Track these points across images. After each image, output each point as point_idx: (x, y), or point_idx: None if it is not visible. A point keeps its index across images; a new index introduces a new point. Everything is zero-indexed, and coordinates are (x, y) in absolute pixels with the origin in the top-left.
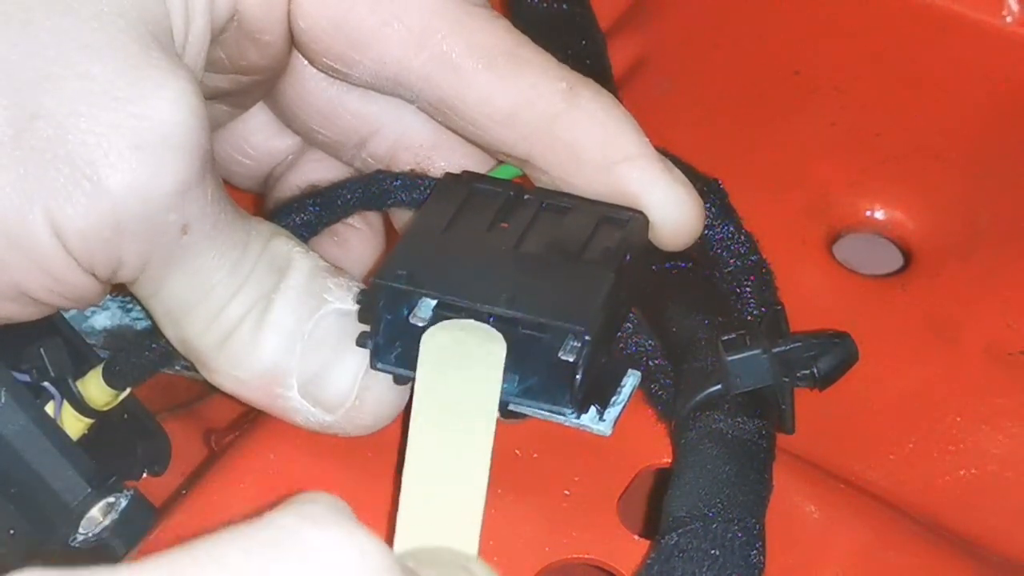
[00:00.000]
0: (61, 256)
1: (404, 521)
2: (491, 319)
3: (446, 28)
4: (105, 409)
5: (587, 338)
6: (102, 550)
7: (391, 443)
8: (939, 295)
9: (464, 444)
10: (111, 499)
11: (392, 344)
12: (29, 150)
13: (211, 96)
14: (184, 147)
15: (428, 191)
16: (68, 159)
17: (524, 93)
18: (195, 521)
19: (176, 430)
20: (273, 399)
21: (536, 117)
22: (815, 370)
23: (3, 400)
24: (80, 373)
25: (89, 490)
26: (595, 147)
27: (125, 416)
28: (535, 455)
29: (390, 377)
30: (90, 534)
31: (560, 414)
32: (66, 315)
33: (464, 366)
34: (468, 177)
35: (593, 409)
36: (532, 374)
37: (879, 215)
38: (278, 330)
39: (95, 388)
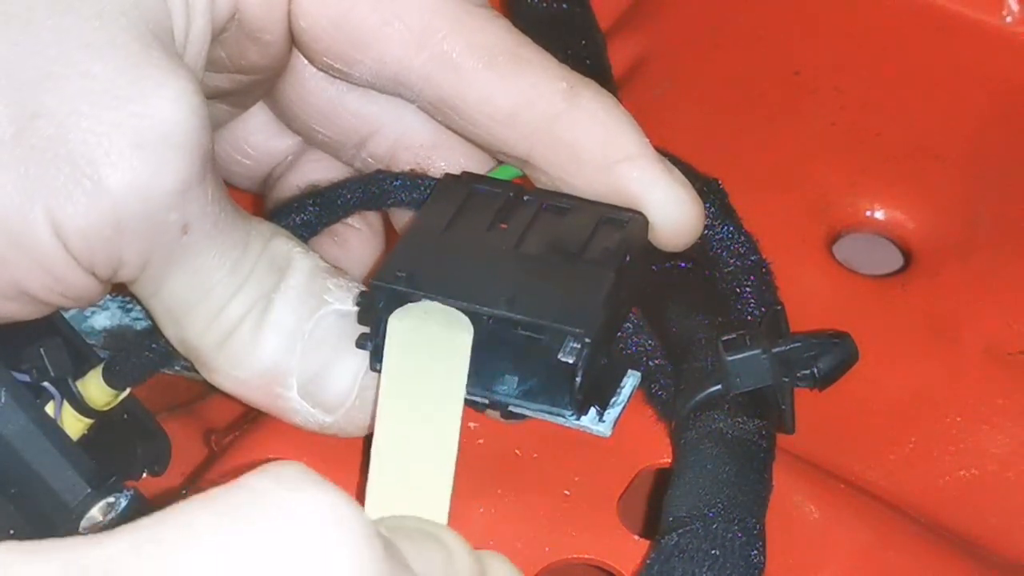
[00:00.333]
0: (61, 255)
1: (373, 494)
2: (490, 321)
3: (447, 27)
4: (105, 409)
5: (587, 340)
6: None
7: None
8: (939, 295)
9: (432, 427)
10: (111, 499)
11: None
12: (30, 149)
13: (211, 96)
14: (185, 146)
15: (428, 191)
16: (69, 158)
17: (524, 93)
18: None
19: (176, 430)
20: (273, 399)
21: (536, 117)
22: (815, 370)
23: (3, 400)
24: (80, 373)
25: (89, 490)
26: (595, 147)
27: (125, 416)
28: (535, 455)
29: None
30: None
31: (560, 415)
32: (66, 315)
33: (431, 349)
34: (468, 178)
35: (593, 410)
36: (532, 375)
37: (879, 215)
38: (278, 330)
39: (95, 388)
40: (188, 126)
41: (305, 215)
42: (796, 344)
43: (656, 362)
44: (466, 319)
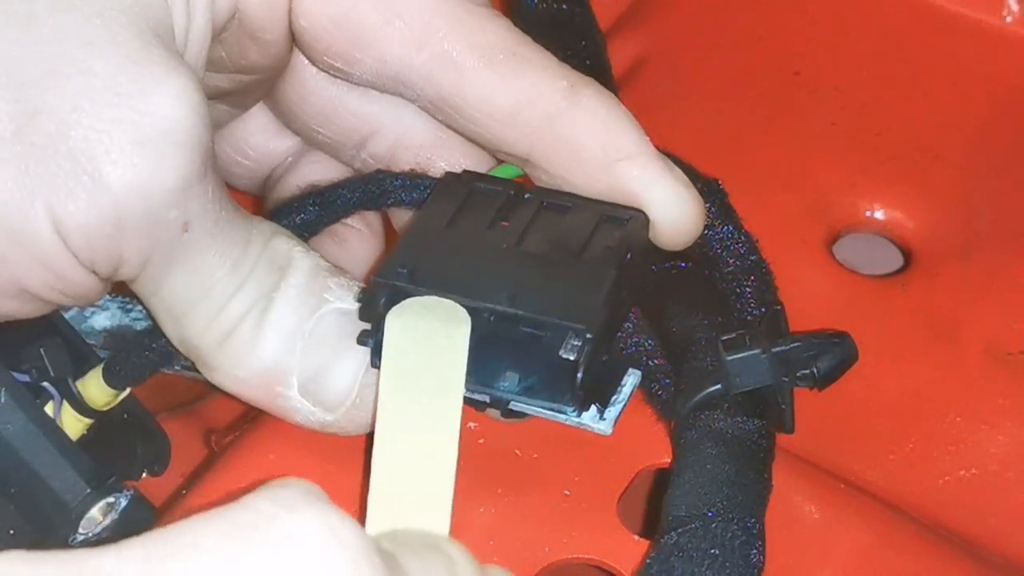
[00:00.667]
0: (62, 252)
1: (375, 505)
2: (491, 317)
3: (447, 27)
4: (105, 409)
5: (588, 336)
6: None
7: None
8: (939, 295)
9: (432, 425)
10: (111, 499)
11: None
12: (31, 146)
13: (212, 95)
14: (186, 144)
15: (428, 191)
16: (70, 155)
17: (525, 91)
18: None
19: (176, 430)
20: (273, 398)
21: (537, 115)
22: (815, 370)
23: (3, 400)
24: (80, 373)
25: (89, 490)
26: (596, 145)
27: (125, 416)
28: (535, 455)
29: None
30: (90, 534)
31: (561, 412)
32: (66, 315)
33: (429, 345)
34: (468, 176)
35: (593, 408)
36: (533, 373)
37: (879, 215)
38: (279, 329)
39: (95, 388)
40: (189, 124)
41: (305, 215)
42: (796, 344)
43: (656, 362)
44: (464, 312)
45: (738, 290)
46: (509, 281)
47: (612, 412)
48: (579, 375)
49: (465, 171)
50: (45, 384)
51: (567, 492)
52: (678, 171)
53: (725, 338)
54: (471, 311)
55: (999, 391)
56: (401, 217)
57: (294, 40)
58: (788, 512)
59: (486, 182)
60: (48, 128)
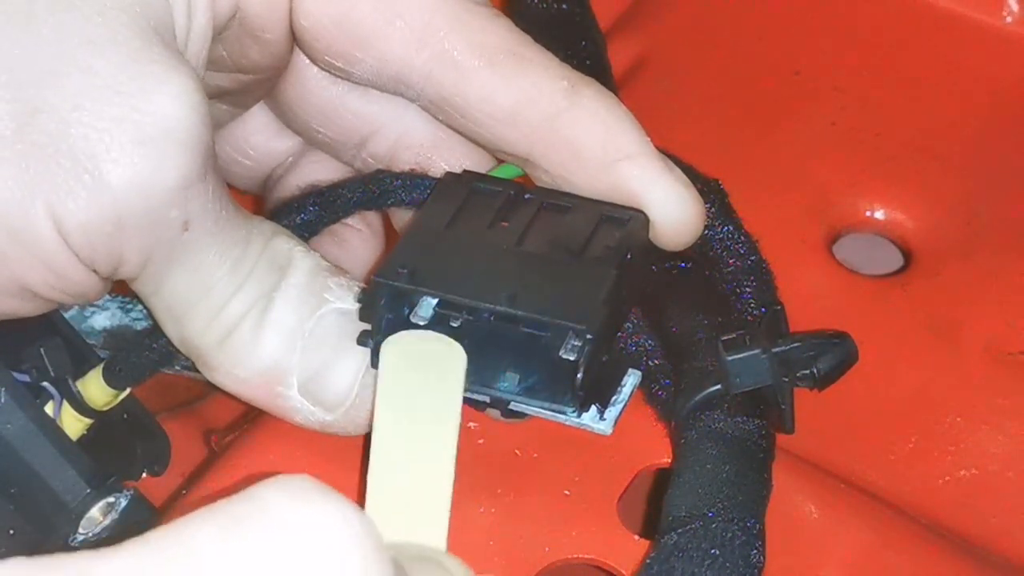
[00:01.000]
0: (62, 251)
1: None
2: (492, 317)
3: (447, 26)
4: (105, 409)
5: (589, 336)
6: None
7: None
8: (939, 295)
9: (429, 443)
10: (111, 499)
11: None
12: (31, 144)
13: (212, 95)
14: (186, 142)
15: (428, 191)
16: (70, 153)
17: (525, 91)
18: None
19: (176, 430)
20: (273, 398)
21: (537, 115)
22: (815, 370)
23: (3, 400)
24: (80, 373)
25: (88, 490)
26: (596, 145)
27: (125, 416)
28: (535, 455)
29: None
30: (90, 534)
31: (561, 413)
32: (66, 315)
33: (426, 369)
34: (469, 176)
35: (594, 408)
36: (533, 373)
37: (879, 215)
38: (279, 329)
39: (95, 388)
40: (189, 122)
41: (306, 215)
42: (796, 344)
43: (656, 362)
44: (458, 346)
45: (738, 290)
46: (509, 281)
47: (612, 412)
48: (579, 375)
49: (465, 171)
50: (45, 384)
51: (567, 492)
52: (678, 171)
53: (725, 338)
54: (471, 311)
55: (999, 391)
56: (401, 217)
57: (295, 39)
58: (788, 512)
59: (486, 182)
60: (49, 127)
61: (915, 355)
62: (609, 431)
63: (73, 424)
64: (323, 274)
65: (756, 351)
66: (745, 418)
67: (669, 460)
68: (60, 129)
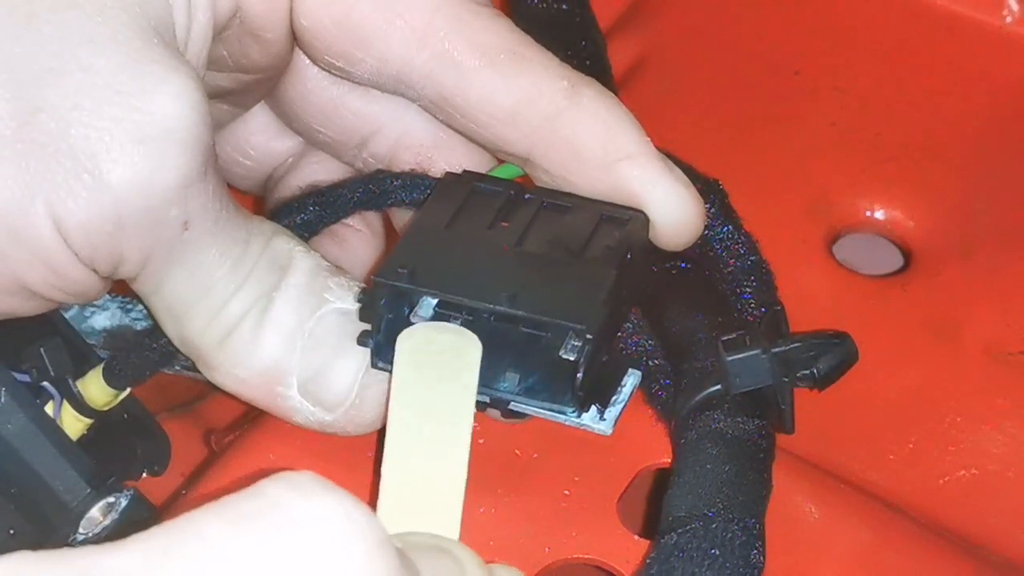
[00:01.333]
0: (62, 250)
1: (384, 510)
2: (492, 317)
3: (448, 26)
4: (105, 409)
5: (588, 337)
6: None
7: None
8: (939, 295)
9: (442, 434)
10: (111, 499)
11: (393, 343)
12: (31, 143)
13: (213, 95)
14: (186, 142)
15: (428, 191)
16: (70, 153)
17: (526, 91)
18: None
19: (176, 430)
20: (273, 398)
21: (538, 115)
22: (815, 370)
23: (3, 400)
24: (80, 373)
25: (89, 490)
26: (596, 145)
27: (125, 416)
28: (535, 455)
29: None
30: (90, 534)
31: (561, 413)
32: (65, 315)
33: (440, 361)
34: (469, 176)
35: (594, 408)
36: (533, 373)
37: (879, 215)
38: (279, 328)
39: (95, 388)
40: (189, 122)
41: (306, 215)
42: (796, 344)
43: (656, 362)
44: (474, 336)
45: (738, 290)
46: (509, 281)
47: (612, 412)
48: (579, 375)
49: (465, 171)
50: (45, 384)
51: (567, 492)
52: (678, 171)
53: (725, 338)
54: (471, 311)
55: (999, 391)
56: (401, 217)
57: (295, 39)
58: (788, 512)
59: (486, 182)
60: (49, 126)
61: (915, 355)
62: (609, 431)
63: (73, 424)
64: (323, 274)
65: (756, 351)
66: (745, 418)
67: (669, 460)
68: (60, 128)
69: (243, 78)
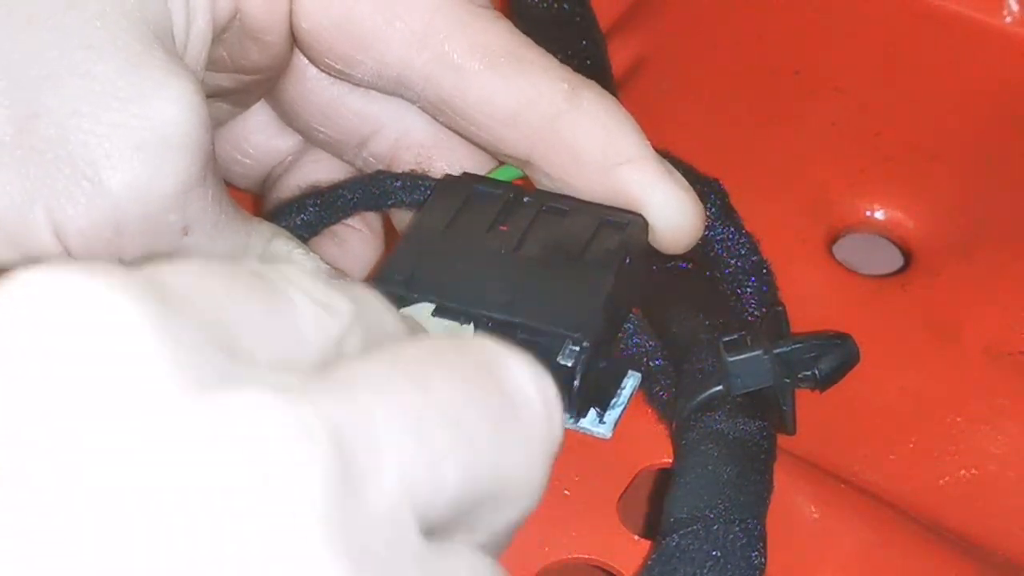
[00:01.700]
0: (61, 256)
1: None
2: (489, 324)
3: (448, 28)
4: None
5: (585, 344)
6: None
7: None
8: (939, 295)
9: None
10: None
11: None
12: (30, 150)
13: (212, 95)
14: (185, 147)
15: (428, 192)
16: (69, 159)
17: (526, 93)
18: None
19: None
20: None
21: (537, 117)
22: (816, 371)
23: None
24: None
25: None
26: (596, 148)
27: None
28: None
29: None
30: None
31: None
32: None
33: None
34: (468, 178)
35: (593, 412)
36: None
37: (879, 215)
38: None
39: None
40: (189, 127)
41: (306, 215)
42: (797, 345)
43: (657, 363)
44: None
45: (739, 291)
46: (507, 287)
47: (612, 415)
48: (576, 382)
49: (465, 173)
50: None
51: (567, 492)
52: (678, 175)
53: (726, 339)
54: (468, 317)
55: (999, 391)
56: (402, 218)
57: (295, 41)
58: (788, 512)
59: (485, 184)
60: (47, 132)
61: (915, 355)
62: (608, 435)
63: None
64: (322, 277)
65: (757, 352)
66: (746, 419)
67: (670, 460)
68: (59, 134)
69: (242, 78)
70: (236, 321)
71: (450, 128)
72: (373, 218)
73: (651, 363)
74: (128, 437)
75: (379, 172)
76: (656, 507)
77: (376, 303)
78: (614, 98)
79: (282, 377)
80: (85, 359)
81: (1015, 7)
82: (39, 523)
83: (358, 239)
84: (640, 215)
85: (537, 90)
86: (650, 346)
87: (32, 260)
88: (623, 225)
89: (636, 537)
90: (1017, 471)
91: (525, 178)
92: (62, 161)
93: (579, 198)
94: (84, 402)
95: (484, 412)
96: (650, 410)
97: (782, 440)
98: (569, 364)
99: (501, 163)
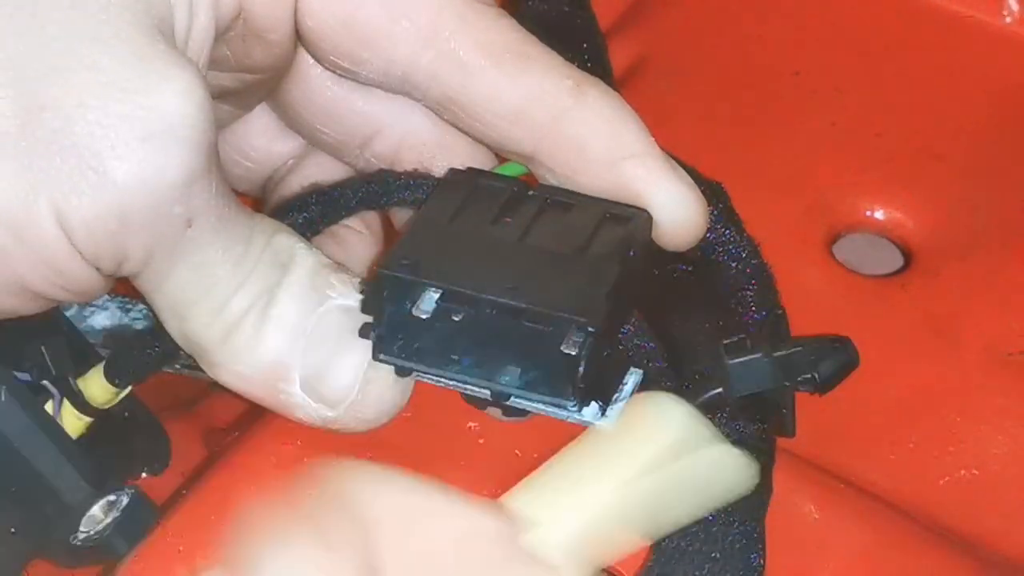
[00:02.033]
0: (65, 248)
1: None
2: (494, 310)
3: (453, 26)
4: (105, 407)
5: (591, 331)
6: (104, 548)
7: (392, 442)
8: (939, 295)
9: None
10: (112, 497)
11: (394, 336)
12: (35, 141)
13: (215, 95)
14: (191, 139)
15: (431, 191)
16: (75, 150)
17: (531, 90)
18: (195, 521)
19: (176, 430)
20: (275, 394)
21: (543, 114)
22: (816, 375)
23: (3, 399)
24: (81, 371)
25: (89, 489)
26: (601, 144)
27: (125, 415)
28: (535, 455)
29: (392, 371)
30: (92, 532)
31: (562, 408)
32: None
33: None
34: (473, 173)
35: (595, 404)
36: (534, 367)
37: (879, 215)
38: (281, 325)
39: (96, 386)
40: (194, 119)
41: (308, 213)
42: (797, 348)
43: (657, 364)
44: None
45: (740, 294)
46: (512, 274)
47: (614, 409)
48: (580, 369)
49: (470, 167)
50: (45, 382)
51: None
52: (682, 171)
53: (726, 342)
54: (473, 303)
55: (999, 391)
56: (403, 218)
57: (300, 40)
58: (788, 512)
59: (490, 179)
60: (53, 123)
61: (915, 355)
62: (611, 428)
63: (73, 423)
64: (325, 271)
65: (757, 355)
66: (746, 422)
67: None
68: (65, 126)
69: (246, 78)
70: None
71: (455, 125)
72: (373, 219)
73: (652, 365)
74: None
75: (381, 171)
76: None
77: None
78: (618, 95)
79: None
80: None
81: (1015, 7)
82: None
83: (358, 240)
84: (644, 210)
85: (542, 87)
86: (650, 348)
87: (35, 251)
88: (627, 219)
89: None
90: (1017, 471)
91: (529, 174)
92: (67, 152)
93: (584, 193)
94: None
95: None
96: None
97: (782, 440)
98: (574, 352)
99: (505, 160)
